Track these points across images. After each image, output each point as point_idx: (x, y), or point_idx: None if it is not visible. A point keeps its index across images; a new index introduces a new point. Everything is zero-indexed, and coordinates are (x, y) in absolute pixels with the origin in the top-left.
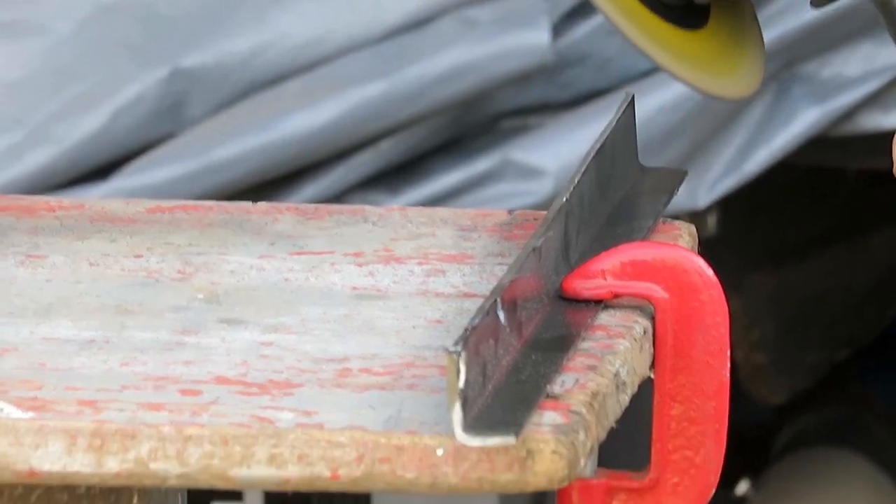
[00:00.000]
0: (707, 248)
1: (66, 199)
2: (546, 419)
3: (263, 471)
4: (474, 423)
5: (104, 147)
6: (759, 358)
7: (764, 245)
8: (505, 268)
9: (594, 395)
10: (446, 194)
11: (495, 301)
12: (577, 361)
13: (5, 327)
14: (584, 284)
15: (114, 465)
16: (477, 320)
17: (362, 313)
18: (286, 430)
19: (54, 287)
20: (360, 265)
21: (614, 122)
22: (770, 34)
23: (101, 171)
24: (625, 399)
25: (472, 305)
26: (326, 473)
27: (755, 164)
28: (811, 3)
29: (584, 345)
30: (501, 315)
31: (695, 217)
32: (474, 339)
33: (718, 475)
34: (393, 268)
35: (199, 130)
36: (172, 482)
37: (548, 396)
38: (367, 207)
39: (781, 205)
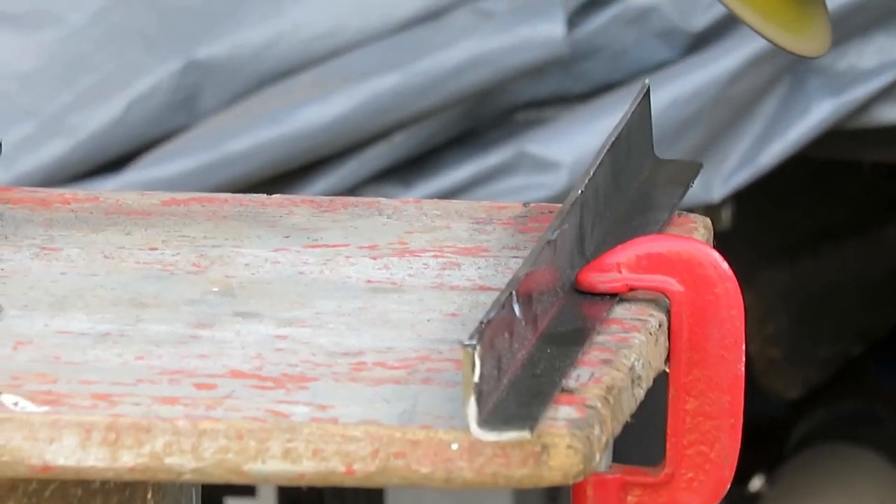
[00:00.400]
0: (721, 242)
1: (81, 192)
2: (561, 413)
3: (278, 465)
4: (489, 418)
5: (118, 139)
6: (773, 352)
7: (778, 238)
8: (520, 261)
9: (609, 389)
10: (460, 187)
11: (510, 294)
12: (592, 355)
13: (20, 320)
14: (599, 278)
15: (128, 460)
16: (492, 314)
17: (377, 306)
18: (301, 424)
19: (69, 280)
20: (374, 258)
21: (630, 113)
22: None
23: (114, 163)
24: (640, 393)
25: (488, 299)
26: (341, 468)
27: (770, 156)
28: None
29: (599, 338)
30: (517, 308)
31: (709, 210)
32: (489, 332)
33: (734, 470)
34: (408, 261)
35: (212, 123)
36: (187, 477)
37: (563, 391)
38: (382, 200)
39: (796, 198)
